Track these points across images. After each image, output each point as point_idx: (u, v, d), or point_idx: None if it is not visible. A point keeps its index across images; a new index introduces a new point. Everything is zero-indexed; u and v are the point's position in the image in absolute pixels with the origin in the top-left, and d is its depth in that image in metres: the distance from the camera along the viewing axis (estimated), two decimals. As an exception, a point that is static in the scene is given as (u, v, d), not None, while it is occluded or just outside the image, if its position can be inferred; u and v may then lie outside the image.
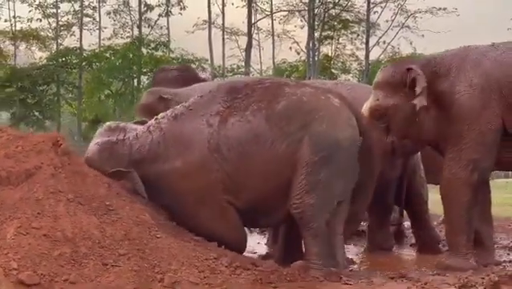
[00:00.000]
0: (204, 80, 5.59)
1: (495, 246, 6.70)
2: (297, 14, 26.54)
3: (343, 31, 28.52)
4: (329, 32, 28.42)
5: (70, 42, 24.47)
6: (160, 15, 23.52)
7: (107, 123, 5.81)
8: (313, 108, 5.36)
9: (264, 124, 5.23)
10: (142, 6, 23.15)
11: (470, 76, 5.57)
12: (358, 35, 28.39)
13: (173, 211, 5.16)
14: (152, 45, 22.44)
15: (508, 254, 6.61)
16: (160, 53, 22.47)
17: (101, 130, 5.67)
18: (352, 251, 7.05)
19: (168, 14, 23.49)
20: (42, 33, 24.29)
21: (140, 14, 23.22)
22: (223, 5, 25.32)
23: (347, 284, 4.67)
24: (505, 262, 6.05)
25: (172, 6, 23.64)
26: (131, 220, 4.53)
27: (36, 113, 22.57)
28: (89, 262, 4.04)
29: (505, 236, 7.73)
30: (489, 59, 5.61)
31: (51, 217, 4.23)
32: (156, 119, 5.54)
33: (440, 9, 26.50)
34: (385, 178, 6.67)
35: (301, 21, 26.93)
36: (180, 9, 23.82)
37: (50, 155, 4.66)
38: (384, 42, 27.12)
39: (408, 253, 7.08)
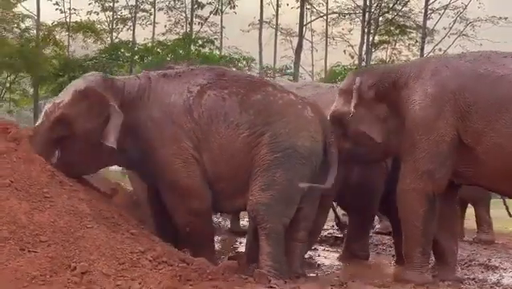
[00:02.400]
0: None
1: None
2: (347, 16, 26.21)
3: (399, 36, 28.08)
4: (386, 37, 28.04)
5: (125, 36, 25.11)
6: (211, 13, 23.91)
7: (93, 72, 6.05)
8: (283, 111, 5.46)
9: (236, 106, 5.40)
10: (194, 3, 23.46)
11: (426, 86, 5.49)
12: (416, 41, 27.87)
13: (145, 158, 5.37)
14: (200, 42, 22.74)
15: (482, 272, 6.42)
16: (207, 50, 22.67)
17: (89, 74, 5.80)
18: (328, 257, 7.05)
19: (217, 12, 23.79)
20: (98, 26, 25.01)
21: (192, 11, 23.59)
22: (277, 5, 25.47)
23: (270, 287, 4.66)
24: (468, 279, 5.88)
25: (223, 4, 23.93)
26: (64, 208, 4.60)
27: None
28: (6, 246, 4.12)
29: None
30: (448, 68, 5.51)
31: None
32: (146, 72, 5.85)
33: (500, 18, 25.69)
34: (370, 186, 6.65)
35: (350, 23, 26.64)
36: (231, 7, 24.10)
37: (-4, 141, 4.84)
38: (440, 50, 26.47)
39: (385, 263, 6.97)
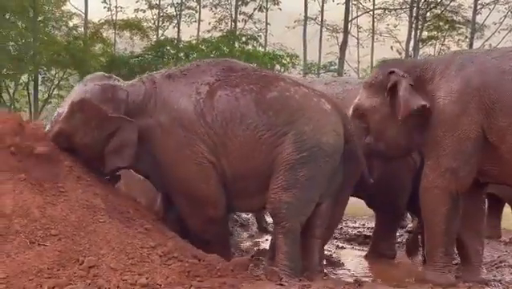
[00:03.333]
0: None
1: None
2: (393, 12, 25.80)
3: (449, 32, 27.50)
4: (434, 32, 27.51)
5: (171, 33, 25.32)
6: (254, 9, 23.93)
7: (96, 73, 5.88)
8: (302, 108, 5.34)
9: (252, 106, 5.25)
10: (237, 1, 23.53)
11: (451, 82, 5.32)
12: (466, 37, 27.25)
13: (158, 166, 5.28)
14: (244, 39, 22.77)
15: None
16: (250, 47, 22.67)
17: (92, 76, 5.64)
18: (354, 255, 6.95)
19: (261, 9, 23.79)
20: (144, 23, 25.31)
21: (236, 8, 23.65)
22: (322, 1, 25.29)
23: (280, 285, 4.61)
24: (494, 280, 5.69)
25: (267, 1, 23.93)
26: (78, 203, 4.67)
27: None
28: (16, 238, 4.21)
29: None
30: (474, 64, 5.32)
31: (-6, 193, 4.46)
32: (150, 74, 5.71)
33: (555, 12, 24.91)
34: (398, 183, 6.51)
35: (396, 19, 26.21)
36: (274, 4, 24.06)
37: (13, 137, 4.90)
38: (490, 46, 25.79)
39: (411, 263, 6.81)
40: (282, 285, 4.61)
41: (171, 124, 5.24)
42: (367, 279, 5.55)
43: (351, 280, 5.24)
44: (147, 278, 4.21)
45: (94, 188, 4.98)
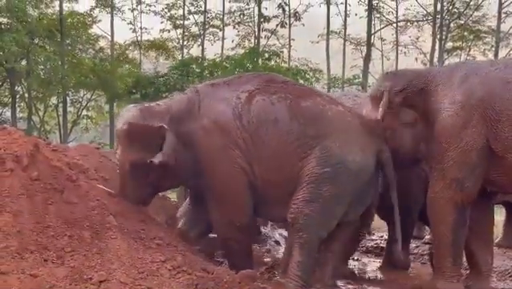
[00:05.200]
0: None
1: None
2: (415, 24, 25.75)
3: (474, 42, 27.33)
4: (459, 43, 27.37)
5: (196, 52, 25.62)
6: (277, 26, 24.11)
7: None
8: (333, 124, 5.47)
9: (285, 112, 5.44)
10: (260, 17, 23.73)
11: (455, 93, 5.41)
12: (492, 46, 27.06)
13: (197, 168, 5.47)
14: (267, 55, 22.94)
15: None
16: (273, 63, 22.82)
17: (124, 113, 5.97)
18: (369, 267, 7.01)
19: (283, 25, 23.97)
20: (169, 43, 25.67)
21: (259, 25, 23.87)
22: (345, 15, 25.38)
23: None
24: (504, 289, 5.74)
25: (290, 17, 24.11)
26: (90, 222, 4.85)
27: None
28: (31, 256, 4.39)
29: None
30: (478, 75, 5.41)
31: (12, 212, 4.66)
32: (193, 86, 6.05)
33: None
34: (410, 194, 6.59)
35: (418, 31, 26.14)
36: (296, 20, 24.23)
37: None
38: (516, 55, 25.61)
39: (426, 273, 6.85)
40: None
41: (211, 126, 5.48)
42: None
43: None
44: (155, 292, 4.36)
45: (107, 206, 5.16)
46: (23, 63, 21.06)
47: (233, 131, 5.41)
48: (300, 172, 5.34)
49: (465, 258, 5.87)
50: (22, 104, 22.97)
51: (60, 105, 23.14)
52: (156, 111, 5.55)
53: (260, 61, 22.51)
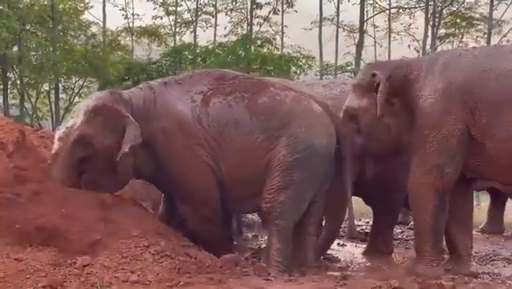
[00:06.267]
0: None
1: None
2: (407, 11, 25.81)
3: (467, 29, 27.39)
4: (452, 30, 27.43)
5: (188, 38, 25.63)
6: (269, 12, 24.12)
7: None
8: (293, 111, 5.55)
9: (244, 112, 5.48)
10: (252, 3, 23.70)
11: (435, 81, 5.50)
12: (485, 33, 27.13)
13: (161, 169, 5.46)
14: (259, 42, 22.97)
15: (504, 266, 6.36)
16: (266, 50, 22.87)
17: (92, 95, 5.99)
18: (353, 252, 7.12)
19: (275, 11, 23.99)
20: (162, 30, 25.68)
21: (251, 11, 23.85)
22: (338, 2, 25.39)
23: (267, 279, 4.83)
24: (484, 273, 5.84)
25: (283, 3, 24.11)
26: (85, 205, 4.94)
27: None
28: (15, 241, 4.50)
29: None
30: (458, 64, 5.50)
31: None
32: (147, 82, 5.95)
33: None
34: (393, 183, 6.67)
35: (410, 18, 26.21)
36: (288, 6, 24.24)
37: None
38: (508, 41, 25.65)
39: (409, 257, 6.96)
40: (268, 280, 4.83)
41: (173, 128, 5.46)
42: (360, 274, 5.71)
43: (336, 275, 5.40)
44: (138, 276, 4.47)
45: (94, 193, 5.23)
46: (15, 49, 21.07)
47: (194, 133, 5.44)
48: (270, 164, 5.42)
49: (445, 243, 5.98)
50: (14, 91, 22.99)
51: (52, 92, 23.12)
52: (125, 100, 5.51)
53: (253, 48, 22.56)
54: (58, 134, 5.35)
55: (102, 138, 5.25)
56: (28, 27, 21.67)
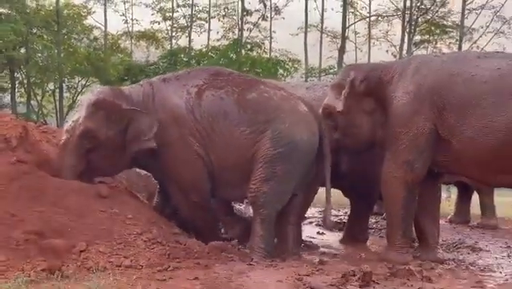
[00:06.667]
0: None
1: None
2: (385, 18, 25.90)
3: (440, 36, 27.51)
4: (427, 36, 27.54)
5: (184, 42, 25.60)
6: (258, 19, 24.13)
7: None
8: (280, 108, 5.56)
9: (234, 105, 5.51)
10: (243, 11, 23.71)
11: (407, 83, 5.55)
12: (456, 40, 27.27)
13: (157, 158, 5.48)
14: (249, 46, 23.00)
15: (469, 254, 6.41)
16: (255, 54, 22.91)
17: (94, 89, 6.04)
18: (332, 240, 7.15)
19: (264, 18, 23.99)
20: (159, 34, 25.64)
21: (242, 18, 23.85)
22: (322, 9, 25.44)
23: (250, 264, 4.85)
24: (449, 259, 5.89)
25: (272, 10, 24.16)
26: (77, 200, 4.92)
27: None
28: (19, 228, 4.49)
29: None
30: (428, 68, 5.55)
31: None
32: (147, 79, 6.01)
33: (537, 16, 24.83)
34: (370, 175, 6.69)
35: (388, 25, 26.30)
36: (276, 13, 24.27)
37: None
38: (478, 48, 25.79)
39: (382, 245, 7.00)
40: (250, 265, 4.86)
41: (167, 119, 5.49)
42: (336, 260, 5.74)
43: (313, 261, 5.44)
44: (131, 261, 4.48)
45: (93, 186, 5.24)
46: (22, 51, 20.98)
47: (187, 123, 5.47)
48: (255, 155, 5.43)
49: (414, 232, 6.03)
50: (21, 90, 22.91)
51: (57, 91, 23.11)
52: (125, 95, 5.56)
53: (243, 51, 22.60)
54: (65, 126, 5.50)
55: (105, 131, 5.30)
56: (35, 31, 21.61)
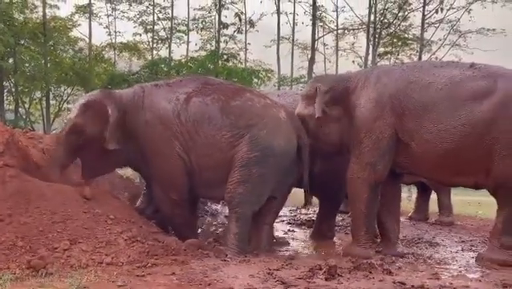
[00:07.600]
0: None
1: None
2: (351, 32, 26.12)
3: (402, 48, 27.80)
4: (389, 48, 27.81)
5: (164, 53, 25.44)
6: (234, 32, 24.08)
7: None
8: (260, 115, 5.58)
9: (217, 111, 5.53)
10: (220, 24, 23.64)
11: (369, 92, 5.60)
12: (417, 51, 27.57)
13: (142, 156, 5.57)
14: (225, 57, 22.94)
15: (427, 248, 6.48)
16: (231, 64, 22.85)
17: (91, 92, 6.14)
18: (301, 237, 7.17)
19: (239, 31, 23.97)
20: (141, 45, 25.46)
21: (219, 31, 23.79)
22: (293, 23, 25.53)
23: (224, 260, 4.85)
24: (409, 253, 5.95)
25: (246, 24, 24.12)
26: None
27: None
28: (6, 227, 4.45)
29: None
30: (388, 76, 5.63)
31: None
32: (140, 84, 6.08)
33: (489, 30, 25.23)
34: (336, 176, 6.72)
35: (353, 38, 26.52)
36: (250, 27, 24.27)
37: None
38: (436, 59, 26.13)
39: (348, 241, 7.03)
40: (225, 260, 4.85)
41: (154, 121, 5.55)
42: (305, 255, 5.78)
43: (285, 256, 5.46)
44: (112, 258, 4.46)
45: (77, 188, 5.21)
46: (10, 61, 20.68)
47: (172, 126, 5.51)
48: (233, 158, 5.45)
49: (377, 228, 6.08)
50: (9, 98, 22.56)
51: (44, 99, 22.74)
52: (114, 96, 5.66)
53: (220, 62, 22.51)
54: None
55: (91, 127, 5.48)
56: (22, 42, 21.25)
